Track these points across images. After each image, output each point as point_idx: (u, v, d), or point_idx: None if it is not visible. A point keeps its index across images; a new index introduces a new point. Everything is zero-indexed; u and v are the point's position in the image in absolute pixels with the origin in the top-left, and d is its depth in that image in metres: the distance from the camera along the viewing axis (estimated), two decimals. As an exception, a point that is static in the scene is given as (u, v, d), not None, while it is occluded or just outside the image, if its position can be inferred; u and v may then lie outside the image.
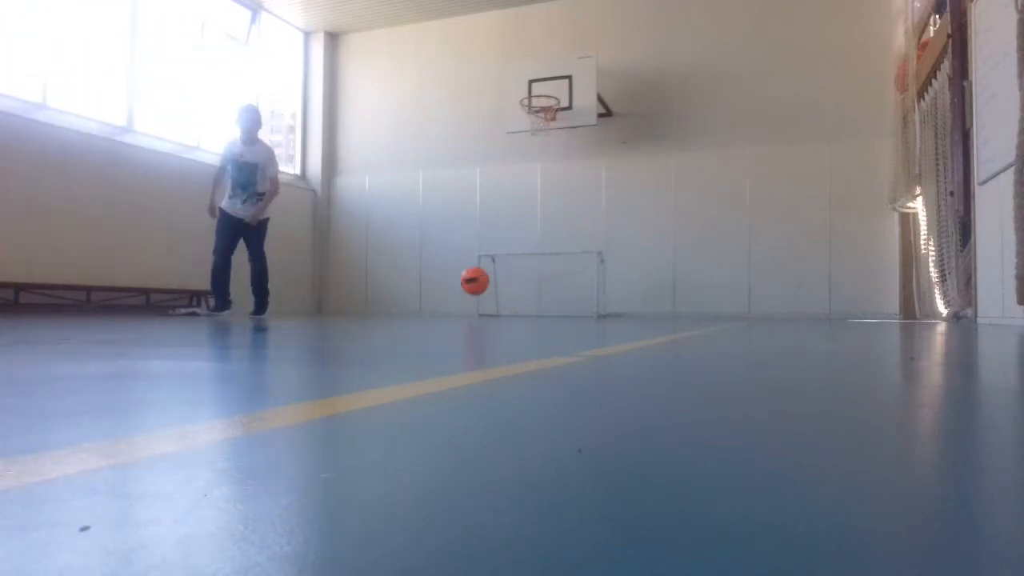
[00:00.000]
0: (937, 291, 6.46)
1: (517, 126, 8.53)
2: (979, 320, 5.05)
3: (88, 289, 6.75)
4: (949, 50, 5.67)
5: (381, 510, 0.42)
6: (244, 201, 6.08)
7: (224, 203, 6.06)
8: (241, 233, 6.12)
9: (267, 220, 6.29)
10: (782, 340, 2.59)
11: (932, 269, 6.56)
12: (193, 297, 7.90)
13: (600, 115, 8.45)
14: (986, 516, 0.42)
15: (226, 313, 6.09)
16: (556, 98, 8.29)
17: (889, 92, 7.56)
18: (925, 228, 6.82)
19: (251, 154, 6.11)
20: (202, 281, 8.07)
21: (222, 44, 8.90)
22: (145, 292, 7.28)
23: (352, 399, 0.90)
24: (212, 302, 6.16)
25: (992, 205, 4.69)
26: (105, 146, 7.10)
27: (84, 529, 0.37)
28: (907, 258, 7.42)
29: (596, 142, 8.80)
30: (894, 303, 7.61)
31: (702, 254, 8.30)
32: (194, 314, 7.18)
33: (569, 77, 8.29)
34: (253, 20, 9.24)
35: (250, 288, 6.20)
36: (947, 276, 6.05)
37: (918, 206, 7.00)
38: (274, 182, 6.20)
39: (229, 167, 6.10)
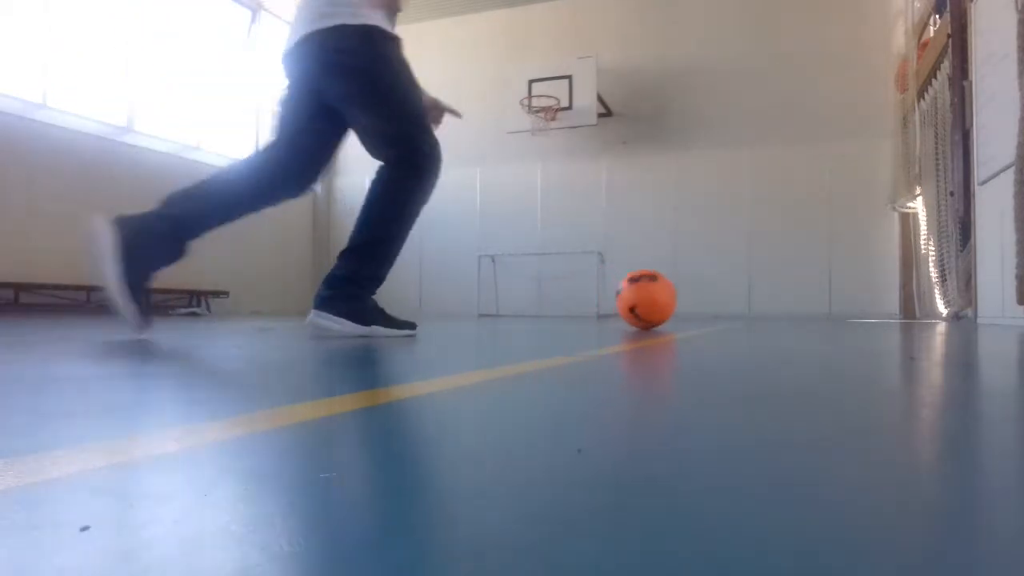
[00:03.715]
0: (937, 291, 6.46)
1: (517, 126, 8.54)
2: (979, 320, 5.05)
3: (88, 289, 6.76)
4: (949, 50, 5.67)
5: (381, 510, 0.41)
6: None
7: None
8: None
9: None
10: (782, 340, 2.60)
11: (932, 269, 6.56)
12: (193, 297, 7.90)
13: (600, 115, 8.45)
14: (987, 518, 0.42)
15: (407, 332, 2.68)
16: (556, 98, 8.29)
17: (889, 92, 7.56)
18: (925, 228, 6.82)
19: None
20: (202, 281, 8.08)
21: (222, 44, 8.90)
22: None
23: (352, 399, 0.90)
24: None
25: (992, 205, 4.69)
26: (105, 146, 7.10)
27: (84, 529, 0.37)
28: (907, 258, 7.42)
29: (596, 142, 8.80)
30: (894, 303, 7.61)
31: (702, 254, 8.30)
32: (194, 314, 7.19)
33: (569, 77, 8.29)
34: (253, 20, 9.24)
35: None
36: (947, 276, 6.05)
37: (918, 206, 7.00)
38: None
39: None
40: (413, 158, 2.54)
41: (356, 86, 2.48)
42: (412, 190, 2.55)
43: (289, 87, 2.63)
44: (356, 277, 2.53)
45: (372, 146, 2.56)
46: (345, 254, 2.54)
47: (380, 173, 2.55)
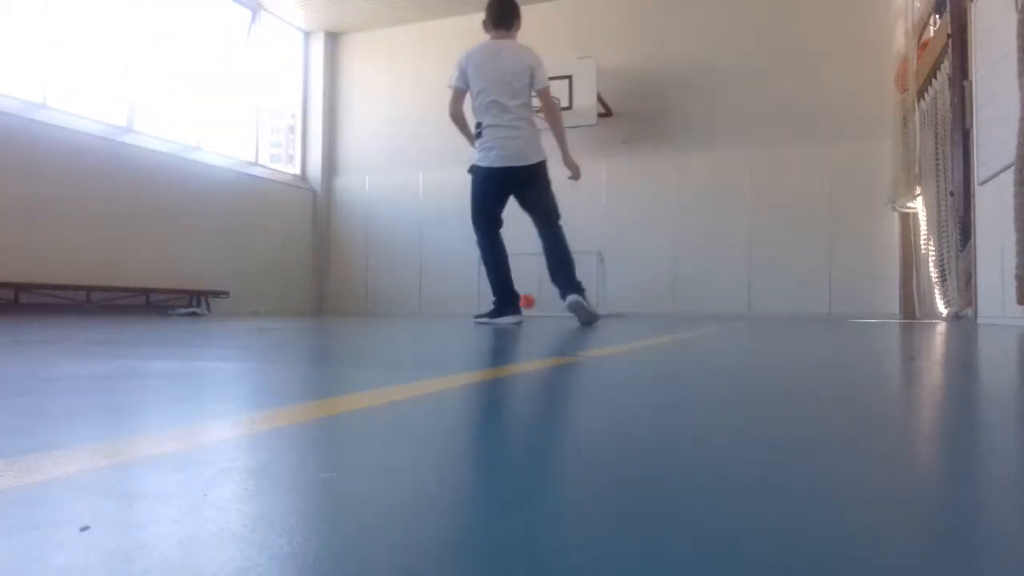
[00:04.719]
0: (937, 291, 6.46)
1: (517, 126, 8.51)
2: (979, 320, 5.05)
3: (88, 289, 6.75)
4: (949, 50, 5.67)
5: (381, 510, 0.42)
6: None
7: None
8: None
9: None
10: (783, 340, 2.60)
11: (932, 269, 6.56)
12: (193, 297, 7.90)
13: (600, 115, 8.44)
14: (988, 519, 0.42)
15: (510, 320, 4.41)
16: (556, 98, 8.28)
17: (889, 92, 7.55)
18: (925, 228, 6.82)
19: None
20: (202, 281, 8.08)
21: (222, 44, 8.90)
22: (145, 292, 7.28)
23: (352, 399, 0.90)
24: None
25: (992, 205, 4.69)
26: (105, 146, 7.10)
27: (84, 529, 0.37)
28: (907, 258, 7.42)
29: (596, 142, 8.79)
30: (894, 303, 7.61)
31: (702, 254, 8.29)
32: (194, 314, 7.19)
33: (569, 77, 8.28)
34: (253, 20, 9.24)
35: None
36: (947, 276, 6.05)
37: (918, 206, 7.00)
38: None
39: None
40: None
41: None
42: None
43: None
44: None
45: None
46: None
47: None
